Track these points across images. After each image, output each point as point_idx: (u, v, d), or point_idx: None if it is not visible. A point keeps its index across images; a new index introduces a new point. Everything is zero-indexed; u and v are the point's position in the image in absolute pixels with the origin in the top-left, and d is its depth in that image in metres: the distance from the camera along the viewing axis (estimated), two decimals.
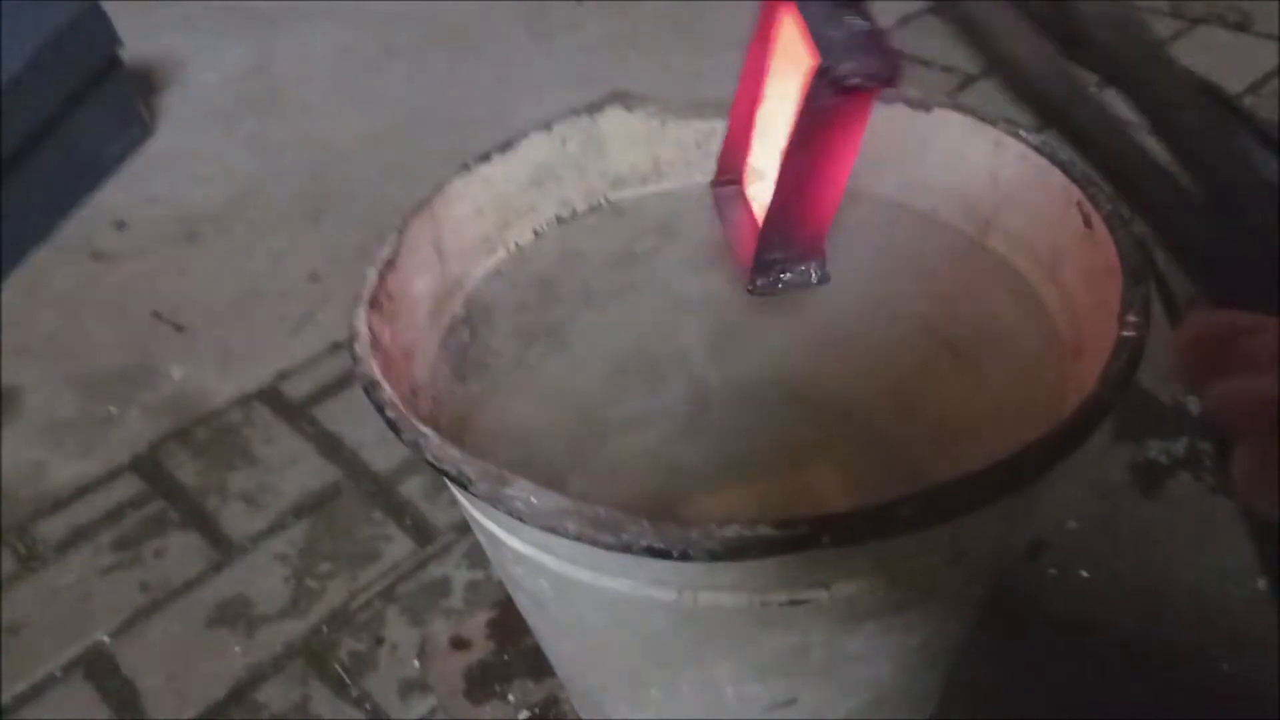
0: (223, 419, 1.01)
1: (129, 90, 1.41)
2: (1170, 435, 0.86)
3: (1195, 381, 0.30)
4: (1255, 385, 0.28)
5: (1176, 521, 0.80)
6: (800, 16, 0.41)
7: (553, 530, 0.41)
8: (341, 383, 1.03)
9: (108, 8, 1.34)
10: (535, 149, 0.65)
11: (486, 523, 0.50)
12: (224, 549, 0.89)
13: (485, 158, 0.63)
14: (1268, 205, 0.31)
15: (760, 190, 0.50)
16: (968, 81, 1.34)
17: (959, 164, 0.63)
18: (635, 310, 0.72)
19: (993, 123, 0.61)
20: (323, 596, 0.84)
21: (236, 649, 0.81)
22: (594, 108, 0.67)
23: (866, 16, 0.40)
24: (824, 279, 0.49)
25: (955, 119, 0.62)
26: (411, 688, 0.77)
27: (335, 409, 1.00)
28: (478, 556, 0.85)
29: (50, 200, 1.29)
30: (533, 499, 0.42)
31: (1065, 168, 0.56)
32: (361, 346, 0.50)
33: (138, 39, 1.48)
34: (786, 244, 0.47)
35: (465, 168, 0.63)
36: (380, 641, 0.80)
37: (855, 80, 0.39)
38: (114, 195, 1.34)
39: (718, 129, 0.69)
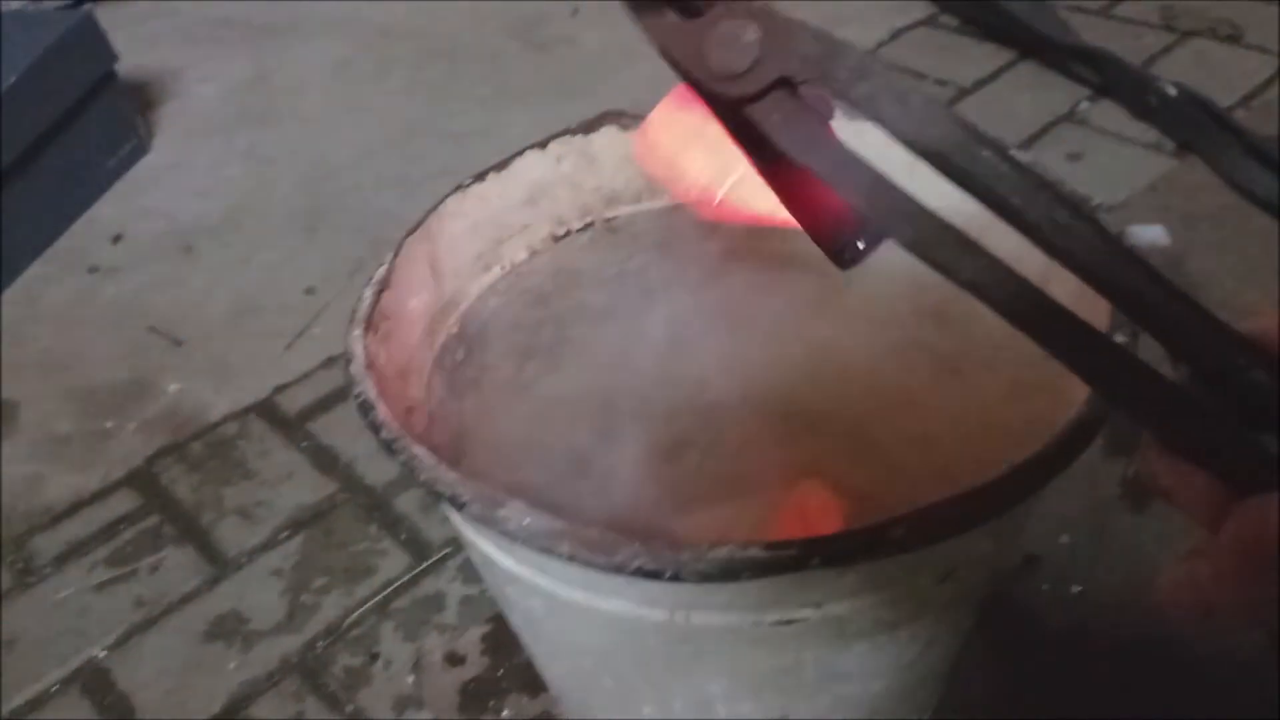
0: (218, 433, 1.01)
1: (125, 104, 1.42)
2: None
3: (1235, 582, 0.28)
4: None
5: (1167, 536, 0.81)
6: None
7: (546, 551, 0.42)
8: (337, 396, 1.03)
9: (104, 21, 1.34)
10: (530, 167, 0.66)
11: (480, 543, 0.51)
12: (219, 564, 0.89)
13: (480, 176, 0.64)
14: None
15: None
16: (961, 95, 1.35)
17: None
18: (629, 327, 0.72)
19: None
20: (318, 611, 0.84)
21: (231, 665, 0.81)
22: (588, 126, 0.67)
23: None
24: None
25: None
26: (406, 704, 0.77)
27: (330, 423, 1.01)
28: (472, 571, 0.85)
29: (47, 214, 1.29)
30: (526, 520, 0.42)
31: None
32: (356, 367, 0.50)
33: (134, 53, 1.49)
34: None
35: (461, 187, 0.63)
36: (375, 657, 0.80)
37: None
38: (111, 209, 1.35)
39: None
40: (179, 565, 0.89)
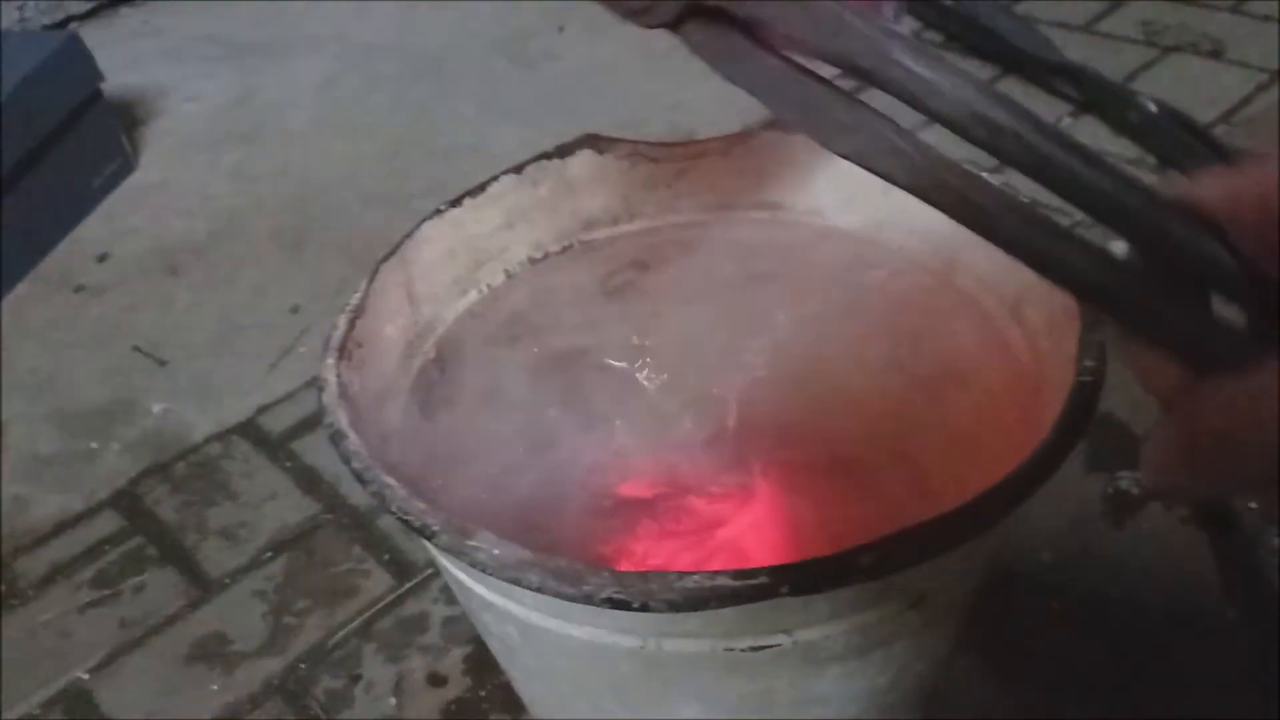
0: (202, 453, 1.01)
1: (111, 123, 1.42)
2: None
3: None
4: None
5: (1148, 552, 0.81)
6: None
7: (515, 582, 0.42)
8: (320, 417, 1.03)
9: (90, 41, 1.35)
10: (506, 192, 0.66)
11: (454, 570, 0.51)
12: (202, 585, 0.89)
13: (456, 202, 0.64)
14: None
15: None
16: None
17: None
18: (605, 347, 0.72)
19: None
20: (300, 633, 0.84)
21: (214, 686, 0.81)
22: (565, 150, 0.68)
23: None
24: None
25: None
26: None
27: (314, 443, 1.01)
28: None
29: (32, 234, 1.29)
30: (495, 551, 0.42)
31: None
32: (329, 396, 0.50)
33: (120, 72, 1.49)
34: None
35: (437, 212, 0.63)
36: (357, 679, 0.80)
37: None
38: (96, 228, 1.35)
39: (688, 169, 0.71)
40: (162, 587, 0.89)
